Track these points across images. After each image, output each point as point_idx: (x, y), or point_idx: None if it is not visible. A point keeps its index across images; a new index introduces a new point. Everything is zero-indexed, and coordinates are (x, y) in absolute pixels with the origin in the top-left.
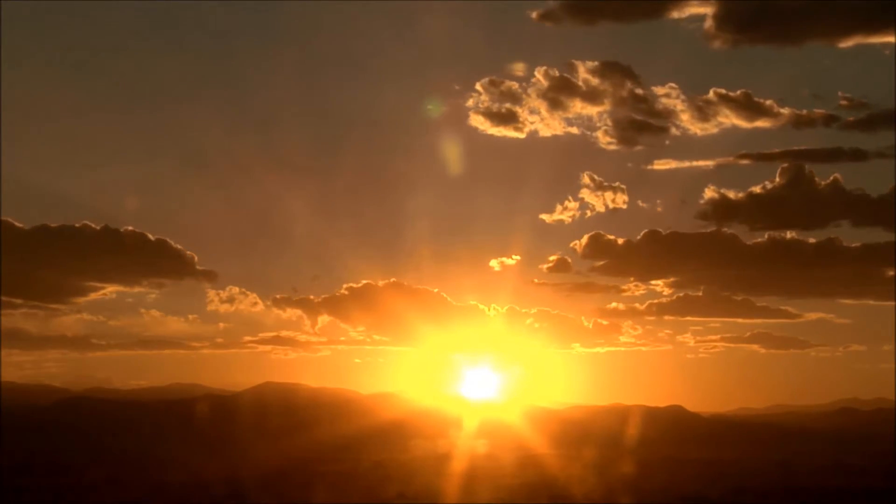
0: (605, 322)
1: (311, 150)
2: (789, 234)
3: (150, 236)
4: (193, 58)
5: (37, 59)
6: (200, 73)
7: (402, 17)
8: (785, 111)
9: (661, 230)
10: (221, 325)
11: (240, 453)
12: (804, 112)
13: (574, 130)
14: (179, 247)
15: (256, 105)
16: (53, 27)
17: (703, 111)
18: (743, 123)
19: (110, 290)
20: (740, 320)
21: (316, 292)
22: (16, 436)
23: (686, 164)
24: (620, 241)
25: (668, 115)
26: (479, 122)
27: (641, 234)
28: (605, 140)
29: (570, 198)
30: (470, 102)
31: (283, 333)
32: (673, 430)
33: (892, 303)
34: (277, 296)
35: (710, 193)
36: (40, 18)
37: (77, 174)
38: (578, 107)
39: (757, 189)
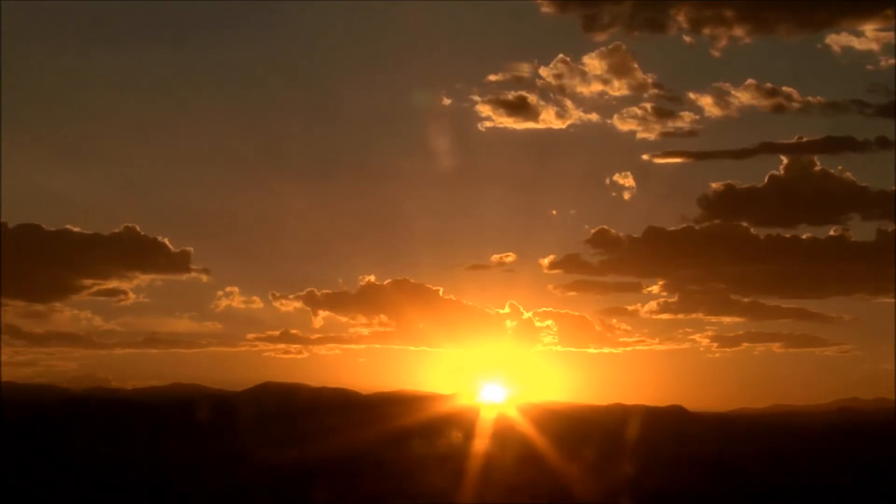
0: (611, 322)
1: (313, 146)
2: (798, 229)
3: (149, 234)
4: (192, 56)
5: (35, 58)
6: (200, 71)
7: (407, 14)
8: (812, 99)
9: (673, 225)
10: (222, 323)
11: (240, 454)
12: (831, 100)
13: (586, 121)
14: (179, 245)
15: (258, 102)
16: (52, 26)
17: (724, 100)
18: (767, 112)
19: (109, 288)
20: (745, 319)
21: (317, 289)
22: (16, 437)
23: (703, 155)
24: (630, 236)
25: (688, 104)
26: (487, 114)
27: (654, 229)
28: (615, 130)
29: (578, 193)
30: (476, 94)
31: (284, 332)
32: (673, 429)
33: (893, 300)
34: (278, 294)
35: (720, 186)
36: (40, 18)
37: (73, 172)
38: (589, 97)
39: (762, 182)
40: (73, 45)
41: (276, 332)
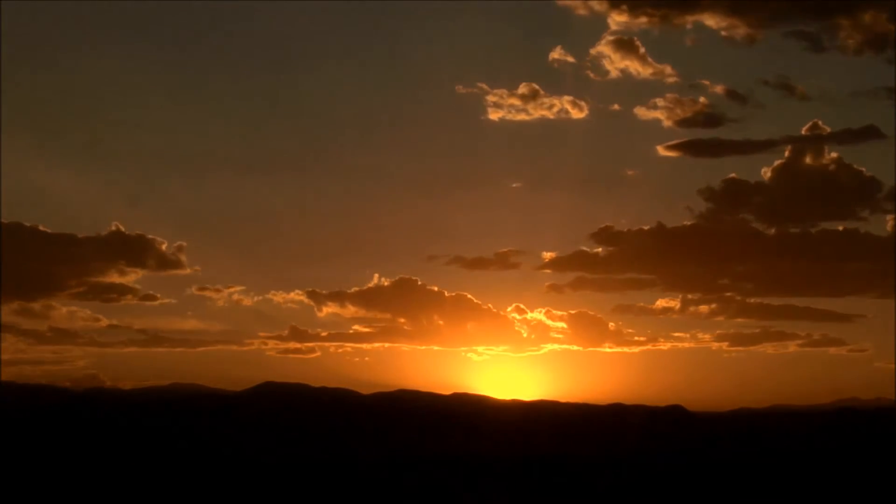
0: (617, 320)
1: (316, 146)
2: (807, 224)
3: (149, 234)
4: (191, 55)
5: (32, 58)
6: (199, 71)
7: (413, 7)
8: (834, 88)
9: (682, 221)
10: (221, 323)
11: (240, 454)
12: (856, 88)
13: (601, 110)
14: (177, 244)
15: (261, 101)
16: (52, 26)
17: (743, 95)
18: (787, 102)
19: (108, 287)
20: (755, 318)
21: (318, 288)
22: (16, 437)
23: (721, 146)
24: (633, 231)
25: (707, 93)
26: (496, 110)
27: (661, 225)
28: (630, 121)
29: (583, 187)
30: (486, 84)
31: (284, 332)
32: (673, 429)
33: (893, 299)
34: (279, 293)
35: (727, 181)
36: (40, 18)
37: (71, 172)
38: (604, 87)
39: (765, 178)
40: (73, 45)
41: (277, 332)
